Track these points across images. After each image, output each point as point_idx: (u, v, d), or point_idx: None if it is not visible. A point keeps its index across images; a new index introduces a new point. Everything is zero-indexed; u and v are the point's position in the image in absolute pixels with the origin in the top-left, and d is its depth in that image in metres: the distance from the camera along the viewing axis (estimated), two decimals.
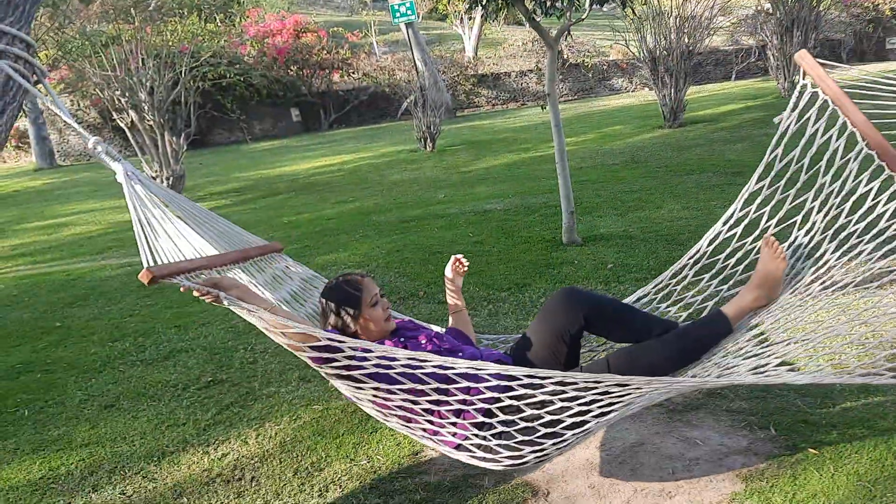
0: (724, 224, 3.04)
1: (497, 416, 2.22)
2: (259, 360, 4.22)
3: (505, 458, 2.30)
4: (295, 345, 2.19)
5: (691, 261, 3.08)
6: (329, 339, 2.15)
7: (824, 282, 2.61)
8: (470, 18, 24.29)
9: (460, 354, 2.58)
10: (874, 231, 2.65)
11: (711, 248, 3.07)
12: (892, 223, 2.54)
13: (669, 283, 3.10)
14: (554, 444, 2.27)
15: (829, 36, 25.31)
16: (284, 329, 2.14)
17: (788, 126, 2.83)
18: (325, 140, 17.59)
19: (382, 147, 14.36)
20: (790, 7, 14.53)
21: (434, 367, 2.12)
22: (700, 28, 12.72)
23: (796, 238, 2.88)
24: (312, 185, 10.69)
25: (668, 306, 3.06)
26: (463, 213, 7.51)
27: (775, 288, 2.67)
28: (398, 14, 16.45)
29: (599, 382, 2.12)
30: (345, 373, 2.23)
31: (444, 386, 2.22)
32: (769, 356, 2.31)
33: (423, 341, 2.60)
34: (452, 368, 2.10)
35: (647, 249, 5.56)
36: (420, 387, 2.22)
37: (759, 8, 16.01)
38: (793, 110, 2.83)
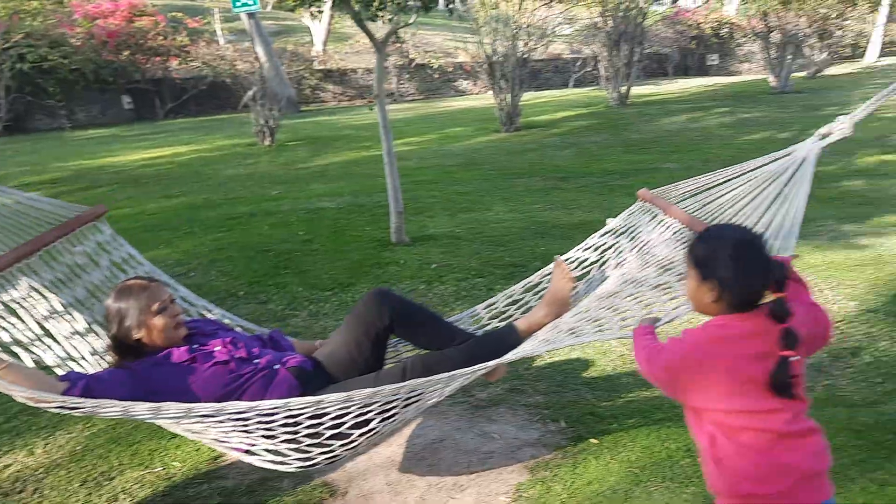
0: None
1: (279, 430, 2.24)
2: None
3: (294, 460, 2.32)
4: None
5: (522, 286, 3.21)
6: (62, 404, 2.09)
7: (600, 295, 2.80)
8: (319, 12, 23.92)
9: (256, 362, 2.55)
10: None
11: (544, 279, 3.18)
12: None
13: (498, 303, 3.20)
14: (342, 445, 2.31)
15: (658, 50, 27.29)
16: (12, 393, 2.06)
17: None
18: (158, 130, 16.69)
19: (219, 140, 13.83)
20: (618, 22, 15.48)
21: (183, 413, 2.12)
22: (536, 36, 13.29)
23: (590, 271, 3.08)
24: (139, 177, 10.12)
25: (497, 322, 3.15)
26: (295, 211, 7.40)
27: (564, 305, 2.84)
28: (239, 3, 15.90)
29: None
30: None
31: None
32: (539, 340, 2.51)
33: (218, 348, 2.54)
34: (192, 412, 2.12)
35: (472, 250, 5.74)
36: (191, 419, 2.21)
37: (591, 20, 16.93)
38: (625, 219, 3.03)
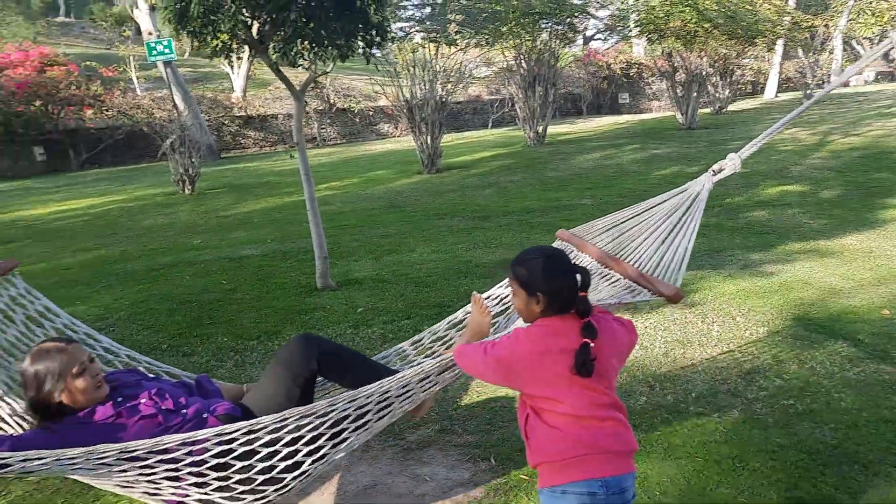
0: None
1: (210, 474, 2.21)
2: None
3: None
4: None
5: (447, 322, 3.26)
6: None
7: None
8: (238, 58, 23.82)
9: (184, 412, 2.52)
10: None
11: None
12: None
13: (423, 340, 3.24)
14: (275, 490, 2.31)
15: (572, 90, 28.31)
16: None
17: None
18: (72, 181, 16.21)
19: (137, 189, 13.54)
20: (531, 65, 16.02)
21: (116, 453, 2.10)
22: (454, 80, 13.62)
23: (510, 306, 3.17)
24: (53, 231, 9.79)
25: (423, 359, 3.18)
26: (218, 260, 7.30)
27: (483, 336, 2.89)
28: (154, 52, 15.76)
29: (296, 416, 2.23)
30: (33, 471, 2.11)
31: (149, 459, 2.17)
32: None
33: (143, 401, 2.50)
34: (132, 451, 2.11)
35: (397, 292, 5.79)
36: (123, 462, 2.16)
37: (506, 63, 17.47)
38: None
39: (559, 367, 1.88)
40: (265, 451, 2.25)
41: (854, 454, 3.04)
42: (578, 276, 1.94)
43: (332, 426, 2.36)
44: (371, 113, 24.29)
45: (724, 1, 15.40)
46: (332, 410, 2.30)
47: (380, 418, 2.45)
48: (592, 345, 1.87)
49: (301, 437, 2.29)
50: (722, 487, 2.87)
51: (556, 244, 3.15)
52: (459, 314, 3.19)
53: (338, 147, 21.71)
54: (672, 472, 2.99)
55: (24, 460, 2.03)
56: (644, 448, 3.18)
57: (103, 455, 2.08)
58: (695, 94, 18.19)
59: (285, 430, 2.26)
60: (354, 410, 2.35)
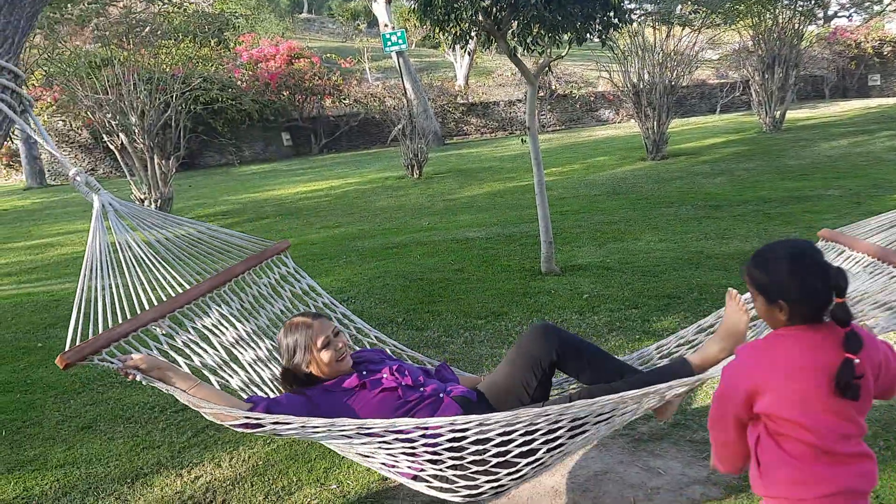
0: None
1: (445, 454, 2.31)
2: None
3: (461, 488, 2.38)
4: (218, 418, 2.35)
5: (696, 327, 3.05)
6: (245, 420, 2.29)
7: None
8: (462, 47, 24.59)
9: (422, 389, 2.66)
10: None
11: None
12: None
13: (669, 344, 3.08)
14: (508, 474, 2.35)
15: (812, 72, 25.83)
16: (201, 409, 2.27)
17: None
18: (314, 165, 17.73)
19: (370, 173, 14.49)
20: (771, 45, 14.84)
21: (355, 428, 2.24)
22: (683, 64, 13.00)
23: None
24: (300, 209, 10.79)
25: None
26: (445, 241, 7.62)
27: (739, 340, 2.65)
28: (389, 43, 16.68)
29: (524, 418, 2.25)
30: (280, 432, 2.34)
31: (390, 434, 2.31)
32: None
33: (385, 375, 2.67)
34: (370, 428, 2.24)
35: (623, 281, 5.67)
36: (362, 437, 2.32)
37: (742, 44, 16.32)
38: None
39: (810, 387, 1.59)
40: (500, 438, 2.28)
41: None
42: (834, 277, 1.60)
43: (570, 421, 2.34)
44: (592, 99, 23.92)
45: None
46: (564, 418, 2.27)
47: (619, 420, 2.40)
48: (857, 361, 1.56)
49: (538, 429, 2.29)
50: None
51: (819, 244, 2.86)
52: (710, 318, 2.94)
53: (557, 133, 21.67)
54: None
55: (275, 423, 2.25)
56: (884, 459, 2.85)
57: (344, 428, 2.23)
58: None
59: (518, 426, 2.28)
60: (593, 416, 2.31)
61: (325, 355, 2.65)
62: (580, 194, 10.02)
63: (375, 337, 3.22)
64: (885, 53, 25.24)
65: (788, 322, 1.65)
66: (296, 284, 3.26)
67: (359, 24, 36.97)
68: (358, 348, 3.07)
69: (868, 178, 9.20)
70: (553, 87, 23.13)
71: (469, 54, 22.69)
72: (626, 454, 3.18)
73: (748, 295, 2.88)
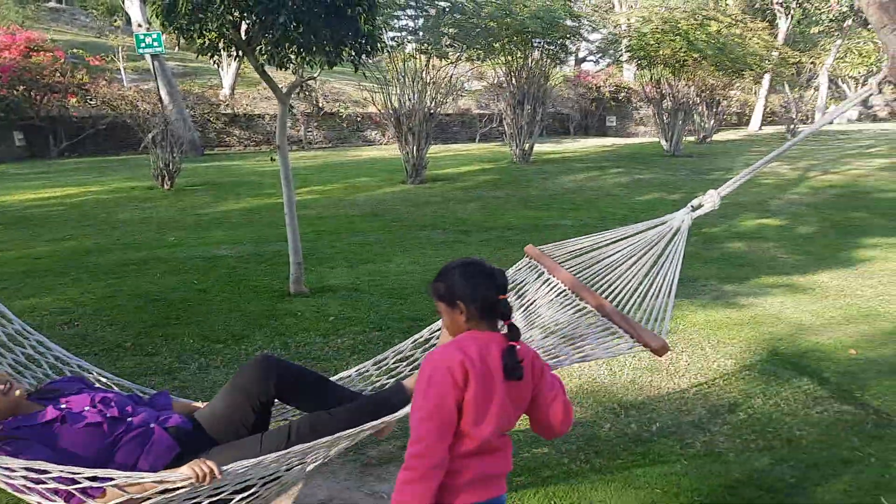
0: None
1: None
2: None
3: None
4: None
5: (411, 341, 3.16)
6: None
7: None
8: (230, 56, 23.67)
9: (129, 420, 2.46)
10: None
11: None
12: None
13: (387, 360, 3.16)
14: None
15: (560, 110, 28.46)
16: None
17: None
18: (51, 169, 15.99)
19: (115, 181, 13.37)
20: (521, 82, 16.09)
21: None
22: (444, 92, 13.63)
23: None
24: (26, 218, 9.64)
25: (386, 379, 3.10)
26: (191, 259, 7.21)
27: None
28: (143, 45, 15.64)
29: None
30: None
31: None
32: None
33: (87, 408, 2.43)
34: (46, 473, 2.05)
35: (371, 302, 5.74)
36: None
37: (497, 79, 17.52)
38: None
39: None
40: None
41: (812, 493, 3.04)
42: (498, 278, 1.92)
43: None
44: (359, 119, 24.23)
45: (714, 33, 15.60)
46: (286, 459, 2.30)
47: (324, 457, 2.43)
48: (519, 346, 1.86)
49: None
50: None
51: (524, 261, 3.11)
52: (424, 333, 3.13)
53: (324, 151, 21.62)
54: (630, 502, 2.97)
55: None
56: (604, 476, 3.17)
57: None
58: (681, 121, 18.38)
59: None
60: (306, 452, 2.32)
61: None
62: (339, 214, 10.05)
63: (77, 366, 2.92)
64: (620, 98, 28.55)
65: (467, 323, 1.90)
66: None
67: (115, 20, 34.18)
68: (57, 377, 2.77)
69: (598, 210, 10.26)
70: (320, 105, 23.10)
71: (222, 64, 21.94)
72: (354, 479, 3.19)
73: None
